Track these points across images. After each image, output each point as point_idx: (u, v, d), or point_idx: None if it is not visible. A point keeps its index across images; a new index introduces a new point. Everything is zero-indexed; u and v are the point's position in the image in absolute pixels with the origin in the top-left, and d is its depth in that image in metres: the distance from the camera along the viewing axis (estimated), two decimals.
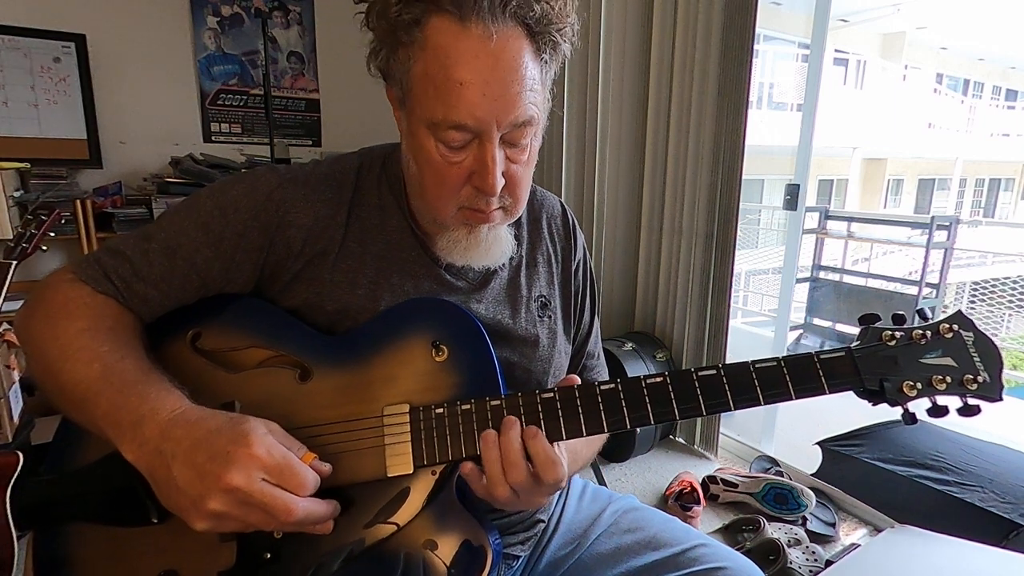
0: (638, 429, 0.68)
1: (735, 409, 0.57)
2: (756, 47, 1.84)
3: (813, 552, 1.56)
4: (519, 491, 0.58)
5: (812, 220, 5.47)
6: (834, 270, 5.56)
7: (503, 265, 0.75)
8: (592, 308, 0.88)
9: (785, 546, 1.52)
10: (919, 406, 0.57)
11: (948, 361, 0.57)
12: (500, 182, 0.61)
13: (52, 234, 1.64)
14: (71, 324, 0.59)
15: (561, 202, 0.87)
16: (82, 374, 0.56)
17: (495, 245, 0.68)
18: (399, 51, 0.59)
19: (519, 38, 0.58)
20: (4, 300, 1.43)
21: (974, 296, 5.90)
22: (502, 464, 0.57)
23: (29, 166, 2.24)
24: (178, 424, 0.53)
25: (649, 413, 0.58)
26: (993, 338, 0.57)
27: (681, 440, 2.29)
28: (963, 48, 11.83)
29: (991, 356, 0.56)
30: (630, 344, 2.16)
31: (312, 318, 0.67)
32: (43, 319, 0.61)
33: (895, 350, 0.58)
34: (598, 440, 0.79)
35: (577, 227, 0.86)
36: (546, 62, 0.61)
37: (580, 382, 0.61)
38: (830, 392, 0.57)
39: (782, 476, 1.92)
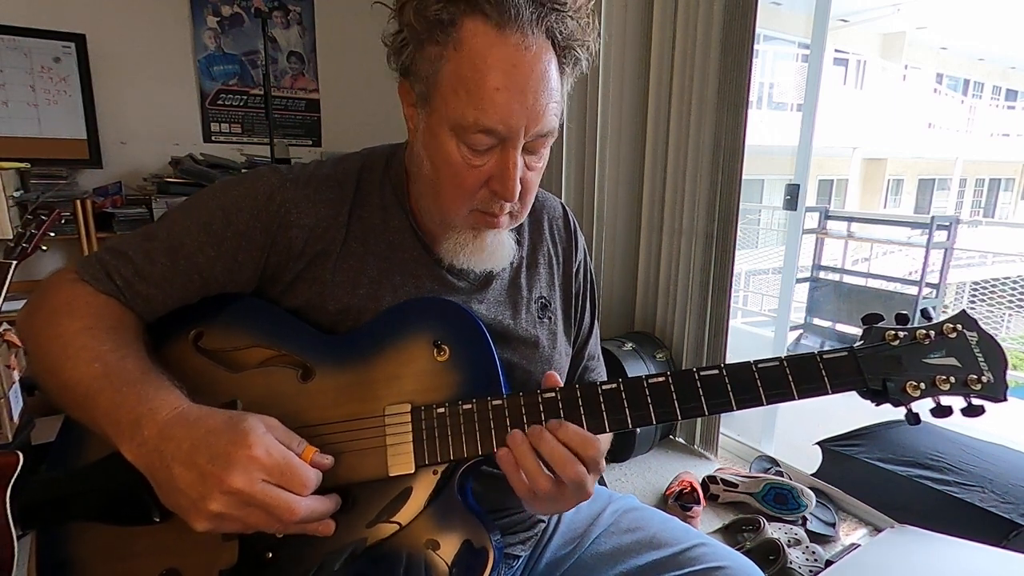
0: (638, 429, 0.68)
1: (737, 409, 0.57)
2: (756, 47, 1.84)
3: (813, 552, 1.56)
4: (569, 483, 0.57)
5: (812, 220, 5.46)
6: (834, 270, 5.55)
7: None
8: (592, 310, 0.88)
9: (785, 546, 1.52)
10: (923, 406, 0.57)
11: (952, 361, 0.56)
12: (519, 188, 0.62)
13: (52, 234, 1.64)
14: (73, 323, 0.59)
15: (562, 203, 0.87)
16: (83, 372, 0.56)
17: (498, 249, 0.69)
18: (428, 49, 0.59)
19: (549, 51, 0.59)
20: (4, 300, 1.42)
21: (974, 296, 5.90)
22: (544, 462, 0.57)
23: (29, 166, 2.23)
24: (177, 424, 0.53)
25: (651, 412, 0.58)
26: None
27: (681, 440, 2.29)
28: (963, 48, 11.83)
29: (995, 356, 0.56)
30: (630, 344, 2.16)
31: (314, 318, 0.67)
32: (45, 318, 0.61)
33: (898, 350, 0.57)
34: (607, 439, 0.79)
35: (578, 229, 0.86)
36: (566, 75, 0.63)
37: (560, 381, 0.62)
38: (833, 392, 0.57)
39: (782, 476, 1.92)
